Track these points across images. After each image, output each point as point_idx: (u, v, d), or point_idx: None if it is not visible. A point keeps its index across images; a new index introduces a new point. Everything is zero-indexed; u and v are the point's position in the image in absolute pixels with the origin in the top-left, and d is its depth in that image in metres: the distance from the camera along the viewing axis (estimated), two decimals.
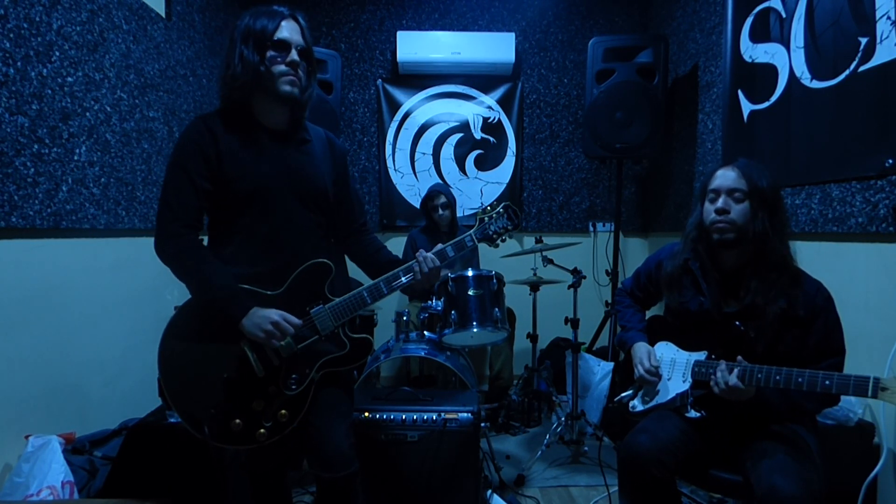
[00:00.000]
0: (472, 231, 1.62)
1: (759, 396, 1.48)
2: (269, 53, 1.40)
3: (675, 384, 1.64)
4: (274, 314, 1.38)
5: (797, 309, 1.51)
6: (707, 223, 1.60)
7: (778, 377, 1.40)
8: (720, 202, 1.55)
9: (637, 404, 1.71)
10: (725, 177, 1.56)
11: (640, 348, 1.73)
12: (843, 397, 1.58)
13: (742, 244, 1.55)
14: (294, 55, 1.42)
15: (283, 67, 1.41)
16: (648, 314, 1.92)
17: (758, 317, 1.54)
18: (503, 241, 1.65)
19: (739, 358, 1.47)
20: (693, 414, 1.58)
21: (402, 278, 1.53)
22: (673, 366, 1.67)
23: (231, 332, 1.39)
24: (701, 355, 1.62)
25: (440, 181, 3.94)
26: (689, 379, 1.61)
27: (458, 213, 3.53)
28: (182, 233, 1.38)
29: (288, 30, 1.42)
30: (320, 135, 1.59)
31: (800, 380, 1.37)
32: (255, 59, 1.39)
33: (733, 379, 1.44)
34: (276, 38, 1.40)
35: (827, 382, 1.33)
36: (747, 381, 1.44)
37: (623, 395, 1.76)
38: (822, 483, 1.37)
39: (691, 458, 1.55)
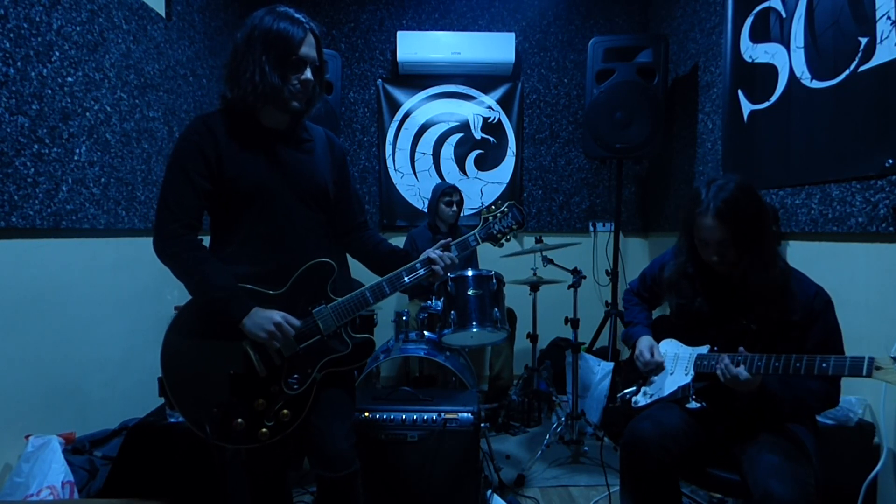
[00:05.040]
0: (475, 231, 1.61)
1: (764, 388, 1.49)
2: (289, 71, 1.39)
3: (678, 377, 1.67)
4: (276, 315, 1.38)
5: (791, 315, 1.53)
6: (705, 260, 1.62)
7: (777, 363, 1.42)
8: (714, 256, 1.57)
9: (640, 399, 1.73)
10: (710, 229, 1.52)
11: (643, 342, 1.78)
12: (843, 398, 1.59)
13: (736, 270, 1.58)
14: (308, 74, 1.42)
15: (297, 86, 1.41)
16: (656, 314, 1.95)
17: (757, 316, 1.57)
18: (507, 240, 1.64)
19: (741, 349, 1.49)
20: (694, 405, 1.60)
21: (406, 278, 1.52)
22: (676, 360, 1.71)
23: (233, 331, 1.39)
24: (704, 349, 1.65)
25: (441, 181, 3.94)
26: (692, 372, 1.64)
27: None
28: (181, 233, 1.38)
29: (308, 45, 1.41)
30: (320, 134, 1.59)
31: (798, 364, 1.40)
32: (278, 82, 1.38)
33: (743, 373, 1.45)
34: (297, 56, 1.39)
35: (824, 365, 1.36)
36: (747, 368, 1.46)
37: (626, 391, 1.79)
38: (818, 486, 1.38)
39: (693, 450, 1.56)
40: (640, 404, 1.72)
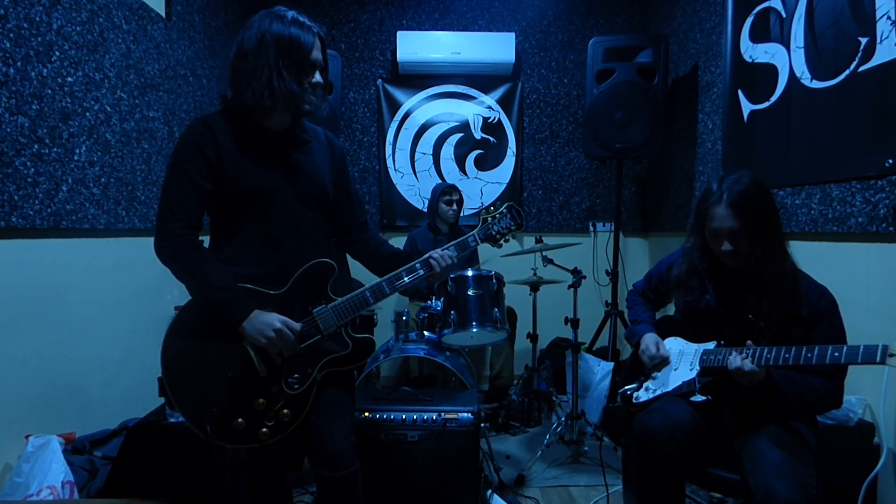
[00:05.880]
0: (474, 231, 1.63)
1: (768, 381, 1.49)
2: (302, 75, 1.41)
3: (682, 373, 1.67)
4: (276, 321, 1.38)
5: (800, 310, 1.54)
6: (716, 254, 1.64)
7: (787, 354, 1.42)
8: (725, 245, 1.58)
9: (641, 395, 1.73)
10: (722, 219, 1.56)
11: (648, 338, 1.79)
12: (844, 398, 1.58)
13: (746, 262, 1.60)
14: (318, 77, 1.44)
15: (309, 89, 1.43)
16: (659, 315, 1.96)
17: (763, 314, 1.58)
18: (506, 241, 1.66)
19: (749, 342, 1.50)
20: (699, 398, 1.61)
21: (406, 278, 1.53)
22: (681, 356, 1.71)
23: (234, 331, 1.39)
24: (710, 345, 1.66)
25: (441, 181, 3.94)
26: (697, 367, 1.64)
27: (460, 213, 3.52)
28: (182, 233, 1.38)
29: (317, 49, 1.43)
30: (319, 135, 1.60)
31: (809, 354, 1.39)
32: (295, 86, 1.39)
33: (749, 364, 1.45)
34: (310, 60, 1.41)
35: (836, 354, 1.35)
36: (756, 360, 1.46)
37: (628, 387, 1.80)
38: (819, 486, 1.38)
39: (699, 444, 1.57)
40: (640, 400, 1.72)
